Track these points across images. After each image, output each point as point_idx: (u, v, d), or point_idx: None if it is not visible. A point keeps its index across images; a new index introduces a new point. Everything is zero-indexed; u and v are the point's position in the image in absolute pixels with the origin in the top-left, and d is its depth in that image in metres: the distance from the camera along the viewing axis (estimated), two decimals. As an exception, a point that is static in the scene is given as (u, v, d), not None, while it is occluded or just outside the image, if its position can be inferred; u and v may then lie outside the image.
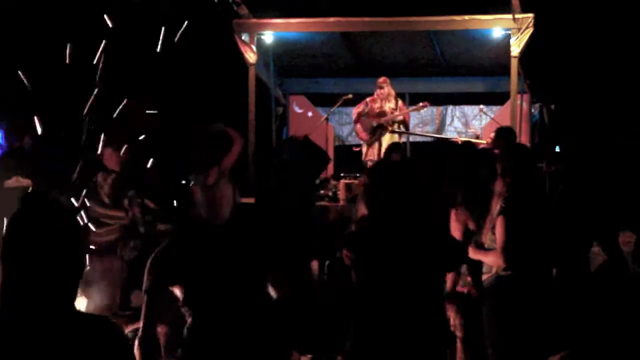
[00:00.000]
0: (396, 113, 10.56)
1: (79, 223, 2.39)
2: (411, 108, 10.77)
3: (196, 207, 7.72)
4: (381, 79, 10.65)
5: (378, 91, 10.60)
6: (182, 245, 4.08)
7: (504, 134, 7.51)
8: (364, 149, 10.78)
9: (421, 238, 3.61)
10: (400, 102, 10.72)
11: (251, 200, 9.58)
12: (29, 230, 2.20)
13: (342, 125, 13.86)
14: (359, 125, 10.70)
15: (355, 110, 10.79)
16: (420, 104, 10.59)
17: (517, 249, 4.46)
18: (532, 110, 12.57)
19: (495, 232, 4.54)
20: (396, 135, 10.66)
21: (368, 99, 10.71)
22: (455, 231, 5.17)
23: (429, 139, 12.29)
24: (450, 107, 13.56)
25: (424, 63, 12.47)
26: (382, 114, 10.52)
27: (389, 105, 10.57)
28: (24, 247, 2.18)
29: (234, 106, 11.49)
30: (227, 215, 7.76)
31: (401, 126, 10.76)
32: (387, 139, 10.48)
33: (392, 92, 10.63)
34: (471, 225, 5.26)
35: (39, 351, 2.13)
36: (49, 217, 2.24)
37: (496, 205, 4.60)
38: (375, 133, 10.54)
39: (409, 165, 5.82)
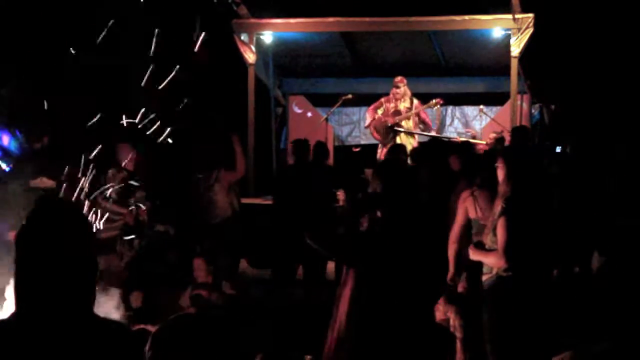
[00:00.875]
0: (409, 113, 10.46)
1: (91, 224, 2.40)
2: (424, 105, 10.61)
3: (195, 206, 7.72)
4: (398, 79, 10.52)
5: (394, 90, 10.47)
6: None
7: (518, 135, 7.49)
8: (379, 149, 10.67)
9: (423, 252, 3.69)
10: (416, 102, 10.58)
11: (252, 200, 9.57)
12: (41, 232, 2.19)
13: (342, 126, 13.79)
14: (372, 126, 10.61)
15: (370, 109, 10.67)
16: (434, 100, 10.50)
17: (518, 250, 4.44)
18: (532, 111, 12.52)
19: (497, 233, 4.52)
20: (411, 135, 10.54)
21: (383, 99, 10.64)
22: (460, 215, 5.32)
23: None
24: (450, 108, 13.48)
25: (424, 63, 12.42)
26: (397, 113, 10.45)
27: (403, 105, 10.46)
28: (36, 249, 2.17)
29: (234, 106, 11.46)
30: (224, 215, 7.76)
31: (421, 125, 10.64)
32: (402, 139, 10.40)
33: (408, 92, 10.53)
34: (472, 214, 5.34)
35: (52, 353, 2.11)
36: (61, 219, 2.22)
37: (498, 207, 4.58)
38: (390, 133, 10.47)
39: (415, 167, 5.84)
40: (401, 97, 10.43)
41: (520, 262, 4.46)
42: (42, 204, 2.32)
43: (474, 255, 4.69)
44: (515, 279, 4.48)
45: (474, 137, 10.63)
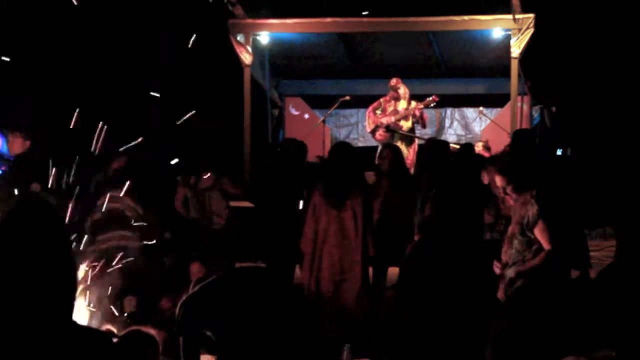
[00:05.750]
0: (407, 111, 10.30)
1: (66, 231, 2.34)
2: (421, 103, 10.43)
3: (189, 212, 7.58)
4: (394, 80, 10.40)
5: (392, 93, 10.37)
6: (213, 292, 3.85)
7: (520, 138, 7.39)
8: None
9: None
10: (414, 103, 10.42)
11: (248, 203, 9.41)
12: (12, 236, 2.15)
13: (340, 128, 13.67)
14: (376, 128, 10.47)
15: (369, 112, 10.57)
16: (429, 98, 10.35)
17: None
18: (533, 113, 12.42)
19: (538, 236, 4.68)
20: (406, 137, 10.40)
21: (382, 99, 10.52)
22: None
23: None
24: (449, 110, 13.38)
25: (423, 64, 12.32)
26: (395, 113, 10.32)
27: (402, 105, 10.33)
28: (6, 252, 2.13)
29: (230, 108, 11.34)
30: (222, 221, 7.61)
31: (417, 125, 10.49)
32: (397, 140, 10.28)
33: (407, 92, 10.40)
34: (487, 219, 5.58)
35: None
36: (33, 223, 2.19)
37: (515, 226, 4.67)
38: (389, 134, 10.36)
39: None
40: (402, 97, 10.31)
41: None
42: (16, 209, 2.27)
43: (520, 268, 4.73)
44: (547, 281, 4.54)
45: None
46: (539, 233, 4.67)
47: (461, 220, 5.65)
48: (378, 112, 10.43)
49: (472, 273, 3.93)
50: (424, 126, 10.58)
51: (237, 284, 3.72)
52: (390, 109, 10.36)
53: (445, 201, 5.72)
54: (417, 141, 10.39)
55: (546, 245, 4.68)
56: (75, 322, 2.21)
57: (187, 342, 3.66)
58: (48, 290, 2.12)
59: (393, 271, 6.65)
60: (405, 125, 10.31)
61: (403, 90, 10.30)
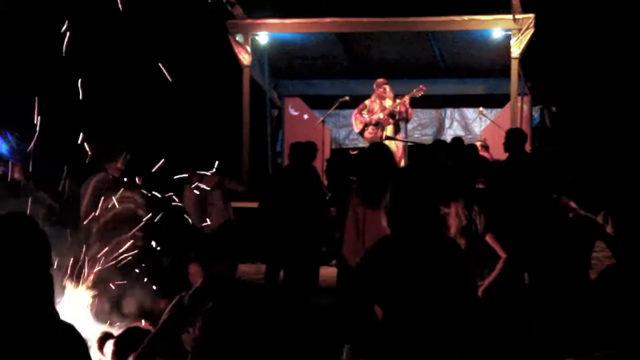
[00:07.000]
0: (392, 104, 10.30)
1: (44, 238, 2.48)
2: (409, 95, 10.40)
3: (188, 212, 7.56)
4: (380, 80, 10.43)
5: (379, 91, 10.38)
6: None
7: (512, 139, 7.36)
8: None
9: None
10: (399, 100, 10.44)
11: (248, 204, 9.39)
12: None
13: (339, 128, 13.61)
14: (365, 127, 10.48)
15: (355, 113, 10.59)
16: (415, 90, 10.35)
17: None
18: (533, 113, 12.38)
19: (493, 245, 4.73)
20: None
21: (367, 101, 10.53)
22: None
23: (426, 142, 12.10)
24: (449, 110, 13.32)
25: (423, 64, 12.29)
26: (383, 109, 10.33)
27: (389, 103, 10.36)
28: None
29: (229, 108, 11.32)
30: (222, 222, 7.59)
31: (400, 123, 10.53)
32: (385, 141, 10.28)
33: (391, 94, 10.43)
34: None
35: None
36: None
37: (459, 239, 4.70)
38: (379, 130, 10.38)
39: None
40: (387, 96, 10.34)
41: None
42: None
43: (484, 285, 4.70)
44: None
45: None
46: (492, 243, 4.70)
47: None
48: (364, 112, 10.44)
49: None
50: (407, 120, 10.60)
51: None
52: (376, 107, 10.37)
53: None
54: (400, 136, 10.49)
55: (502, 254, 4.67)
56: (47, 314, 2.36)
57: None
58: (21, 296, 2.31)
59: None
60: (389, 129, 10.36)
61: (388, 88, 10.34)
